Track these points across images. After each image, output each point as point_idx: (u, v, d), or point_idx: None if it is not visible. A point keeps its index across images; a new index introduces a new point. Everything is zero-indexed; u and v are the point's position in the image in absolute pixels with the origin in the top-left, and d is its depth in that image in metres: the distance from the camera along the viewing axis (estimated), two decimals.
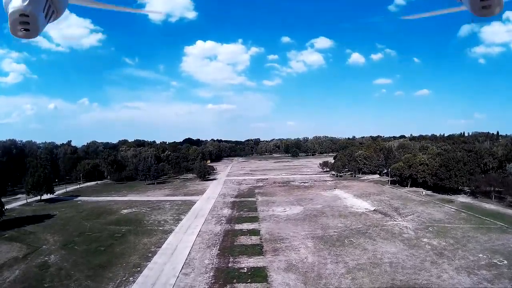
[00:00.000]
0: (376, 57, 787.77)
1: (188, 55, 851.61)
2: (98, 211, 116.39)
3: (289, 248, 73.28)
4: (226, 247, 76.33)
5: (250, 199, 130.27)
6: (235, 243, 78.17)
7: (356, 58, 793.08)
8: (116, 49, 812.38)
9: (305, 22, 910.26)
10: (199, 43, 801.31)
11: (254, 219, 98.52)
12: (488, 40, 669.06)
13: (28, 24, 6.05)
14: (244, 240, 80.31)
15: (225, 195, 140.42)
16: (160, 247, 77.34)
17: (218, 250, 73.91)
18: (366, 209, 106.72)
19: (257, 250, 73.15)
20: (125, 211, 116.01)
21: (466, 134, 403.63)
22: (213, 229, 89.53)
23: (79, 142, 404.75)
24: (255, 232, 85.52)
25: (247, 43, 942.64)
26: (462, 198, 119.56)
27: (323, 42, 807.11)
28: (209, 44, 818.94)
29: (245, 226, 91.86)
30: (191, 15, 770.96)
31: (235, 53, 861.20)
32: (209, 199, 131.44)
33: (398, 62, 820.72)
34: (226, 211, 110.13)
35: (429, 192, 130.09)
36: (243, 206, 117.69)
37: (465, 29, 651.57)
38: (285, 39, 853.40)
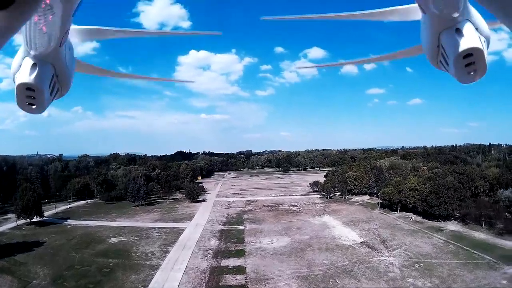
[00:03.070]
0: (369, 67, 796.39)
1: (182, 65, 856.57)
2: (87, 239, 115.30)
3: None
4: (211, 287, 75.94)
5: (238, 227, 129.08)
6: (220, 283, 77.72)
7: (349, 68, 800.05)
8: (110, 58, 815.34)
9: (298, 32, 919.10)
10: (193, 52, 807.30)
11: (241, 253, 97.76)
12: None
13: (33, 99, 6.06)
14: (229, 279, 79.81)
15: (214, 221, 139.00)
16: (147, 286, 76.95)
17: None
18: (353, 241, 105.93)
19: None
20: (114, 239, 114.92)
21: (458, 145, 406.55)
22: (200, 265, 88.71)
23: (72, 151, 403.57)
24: (240, 270, 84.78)
25: (241, 53, 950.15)
26: (451, 226, 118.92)
27: (316, 52, 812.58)
28: (203, 53, 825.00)
29: (231, 262, 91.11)
30: (185, 24, 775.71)
31: (229, 63, 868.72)
32: (197, 226, 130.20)
33: (391, 72, 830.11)
34: (213, 242, 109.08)
35: (418, 218, 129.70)
36: (231, 236, 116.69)
37: None
38: (278, 49, 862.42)
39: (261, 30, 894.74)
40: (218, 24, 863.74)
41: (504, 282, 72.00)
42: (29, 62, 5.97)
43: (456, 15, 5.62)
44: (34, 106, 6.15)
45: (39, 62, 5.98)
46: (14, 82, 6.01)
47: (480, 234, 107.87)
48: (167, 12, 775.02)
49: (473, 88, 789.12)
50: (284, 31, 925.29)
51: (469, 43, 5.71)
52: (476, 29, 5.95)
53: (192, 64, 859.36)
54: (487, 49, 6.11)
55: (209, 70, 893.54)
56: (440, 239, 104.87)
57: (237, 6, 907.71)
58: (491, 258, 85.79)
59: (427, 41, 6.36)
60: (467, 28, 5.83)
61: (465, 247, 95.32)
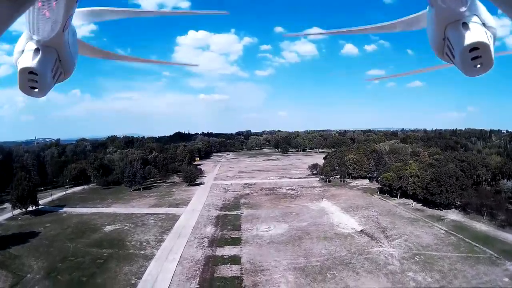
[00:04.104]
0: (369, 48, 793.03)
1: (181, 45, 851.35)
2: (82, 228, 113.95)
3: (269, 283, 71.24)
4: (205, 279, 74.42)
5: (234, 212, 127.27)
6: (215, 275, 75.98)
7: (350, 48, 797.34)
8: (108, 40, 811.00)
9: (298, 12, 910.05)
10: (191, 33, 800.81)
11: (237, 241, 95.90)
12: None
13: (36, 83, 6.21)
14: (224, 270, 77.82)
15: (210, 206, 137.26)
16: (140, 278, 75.44)
17: (198, 284, 71.80)
18: (352, 229, 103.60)
19: (236, 285, 71.00)
20: (109, 227, 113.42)
21: (458, 130, 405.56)
22: (194, 255, 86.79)
23: (70, 134, 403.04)
24: (236, 261, 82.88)
25: (240, 33, 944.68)
26: (452, 215, 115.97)
27: (316, 32, 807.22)
28: (202, 34, 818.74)
29: (227, 251, 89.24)
30: (184, 5, 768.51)
31: (228, 43, 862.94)
32: (193, 212, 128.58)
33: (391, 53, 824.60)
34: (209, 230, 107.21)
35: (418, 206, 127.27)
36: (227, 222, 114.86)
37: None
38: (278, 29, 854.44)
39: (261, 9, 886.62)
40: (216, 3, 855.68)
41: (506, 279, 69.56)
42: (32, 46, 6.07)
43: (463, 9, 5.64)
44: (36, 90, 6.29)
45: (42, 47, 6.07)
46: (17, 66, 6.10)
47: (481, 226, 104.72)
48: None
49: None
50: (284, 11, 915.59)
51: (475, 37, 5.74)
52: (483, 24, 5.95)
53: (191, 45, 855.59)
54: (494, 43, 6.04)
55: (208, 51, 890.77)
56: (441, 229, 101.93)
57: None
58: (493, 253, 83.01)
59: (433, 33, 6.40)
60: (474, 23, 5.87)
61: (466, 239, 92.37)
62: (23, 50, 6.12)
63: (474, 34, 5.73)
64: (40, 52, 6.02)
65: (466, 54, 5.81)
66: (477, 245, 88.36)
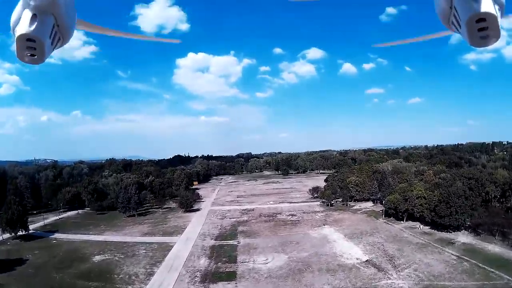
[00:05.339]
0: (368, 66, 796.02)
1: (180, 67, 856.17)
2: (71, 257, 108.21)
3: None
4: None
5: (231, 242, 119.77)
6: None
7: (348, 68, 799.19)
8: (108, 62, 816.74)
9: (297, 33, 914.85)
10: (191, 55, 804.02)
11: (231, 276, 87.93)
12: None
13: (34, 50, 6.16)
14: None
15: (205, 235, 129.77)
16: None
17: None
18: (357, 259, 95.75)
19: None
20: (98, 257, 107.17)
21: (460, 144, 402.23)
22: None
23: (71, 155, 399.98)
24: None
25: (239, 54, 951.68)
26: (463, 237, 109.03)
27: (314, 52, 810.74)
28: (201, 56, 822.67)
29: (220, 287, 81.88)
30: (184, 27, 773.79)
31: (227, 65, 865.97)
32: (187, 241, 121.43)
33: (390, 71, 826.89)
34: (203, 262, 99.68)
35: (426, 228, 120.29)
36: (222, 253, 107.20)
37: (456, 36, 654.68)
38: (277, 50, 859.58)
39: (259, 31, 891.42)
40: (216, 25, 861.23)
41: None
42: (28, 13, 6.03)
43: None
44: (35, 57, 6.22)
45: (39, 13, 6.00)
46: (14, 35, 6.06)
47: (494, 247, 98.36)
48: (165, 14, 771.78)
49: (471, 86, 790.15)
50: (282, 32, 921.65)
51: (483, 7, 5.65)
52: None
53: (190, 67, 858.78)
54: (502, 16, 5.92)
55: (208, 73, 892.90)
56: (453, 254, 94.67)
57: (235, 8, 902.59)
58: (509, 277, 76.66)
59: (440, 1, 6.29)
60: None
61: (480, 264, 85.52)
62: (20, 18, 5.99)
63: (481, 4, 5.53)
64: (37, 18, 5.91)
65: (473, 24, 5.65)
66: (492, 269, 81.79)
